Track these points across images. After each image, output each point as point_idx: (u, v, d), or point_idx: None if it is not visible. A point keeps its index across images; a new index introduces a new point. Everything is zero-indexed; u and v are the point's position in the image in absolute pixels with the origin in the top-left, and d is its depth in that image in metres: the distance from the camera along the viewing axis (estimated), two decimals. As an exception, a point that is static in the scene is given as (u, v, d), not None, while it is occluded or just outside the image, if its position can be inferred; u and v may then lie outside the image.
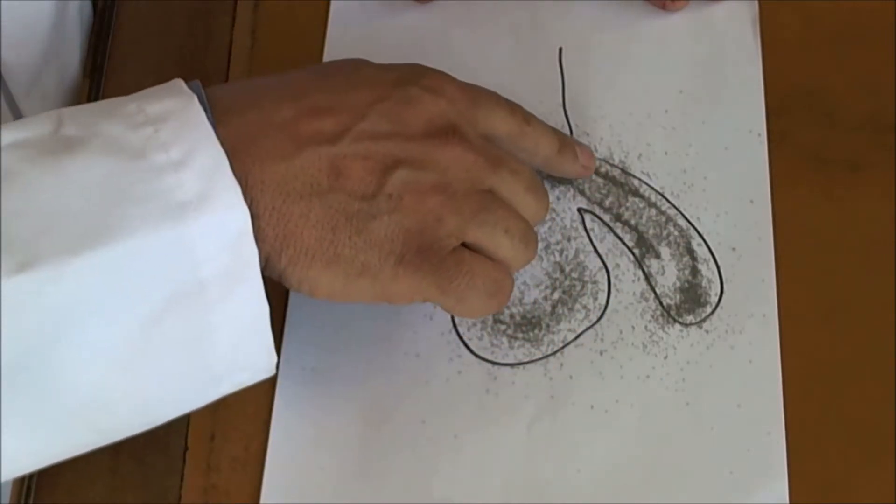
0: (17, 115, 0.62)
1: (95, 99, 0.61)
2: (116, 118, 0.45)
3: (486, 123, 0.52)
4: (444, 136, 0.49)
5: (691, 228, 0.58)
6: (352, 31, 0.62)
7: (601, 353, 0.56)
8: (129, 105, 0.46)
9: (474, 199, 0.50)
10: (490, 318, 0.56)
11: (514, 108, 0.53)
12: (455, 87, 0.51)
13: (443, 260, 0.49)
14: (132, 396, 0.45)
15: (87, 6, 0.64)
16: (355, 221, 0.47)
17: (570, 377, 0.55)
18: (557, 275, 0.57)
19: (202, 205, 0.44)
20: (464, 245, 0.50)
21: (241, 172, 0.45)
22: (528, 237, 0.51)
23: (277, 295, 0.56)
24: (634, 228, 0.58)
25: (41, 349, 0.42)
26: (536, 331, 0.56)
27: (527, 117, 0.54)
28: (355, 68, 0.51)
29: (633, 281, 0.57)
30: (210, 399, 0.48)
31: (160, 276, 0.44)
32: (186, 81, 0.47)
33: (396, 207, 0.48)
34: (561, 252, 0.58)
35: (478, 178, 0.50)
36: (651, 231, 0.58)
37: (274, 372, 0.49)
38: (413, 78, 0.51)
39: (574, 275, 0.57)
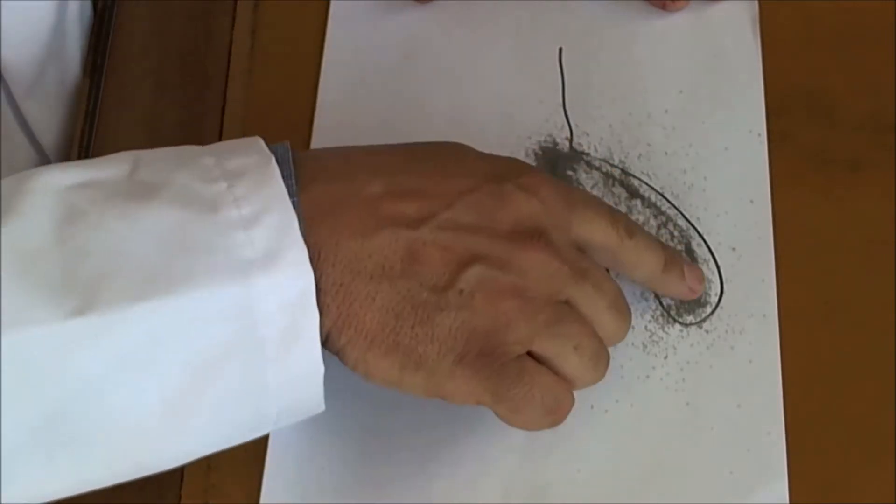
0: (18, 114, 0.62)
1: (96, 99, 0.61)
2: (192, 168, 0.45)
3: (580, 231, 0.50)
4: (530, 239, 0.48)
5: (691, 229, 0.58)
6: (352, 31, 0.62)
7: (601, 354, 0.56)
8: (207, 158, 0.46)
9: (550, 308, 0.48)
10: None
11: (616, 219, 0.51)
12: (553, 189, 0.49)
13: (504, 366, 0.47)
14: (179, 441, 0.46)
15: (87, 6, 0.64)
16: (421, 311, 0.46)
17: (570, 377, 0.55)
18: (557, 275, 0.57)
19: (268, 264, 0.44)
20: (530, 354, 0.48)
21: (315, 242, 0.45)
22: (599, 357, 0.50)
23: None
24: (634, 228, 0.58)
25: (93, 392, 0.42)
26: (536, 331, 0.56)
27: (630, 229, 0.51)
28: (454, 154, 0.50)
29: (633, 281, 0.57)
30: (263, 433, 0.49)
31: (218, 331, 0.44)
32: (270, 143, 0.47)
33: (467, 304, 0.46)
34: (561, 252, 0.57)
35: (558, 287, 0.48)
36: (651, 231, 0.58)
37: (322, 409, 0.49)
38: (511, 173, 0.49)
39: (574, 275, 0.57)
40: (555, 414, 0.49)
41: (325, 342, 0.47)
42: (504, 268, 0.47)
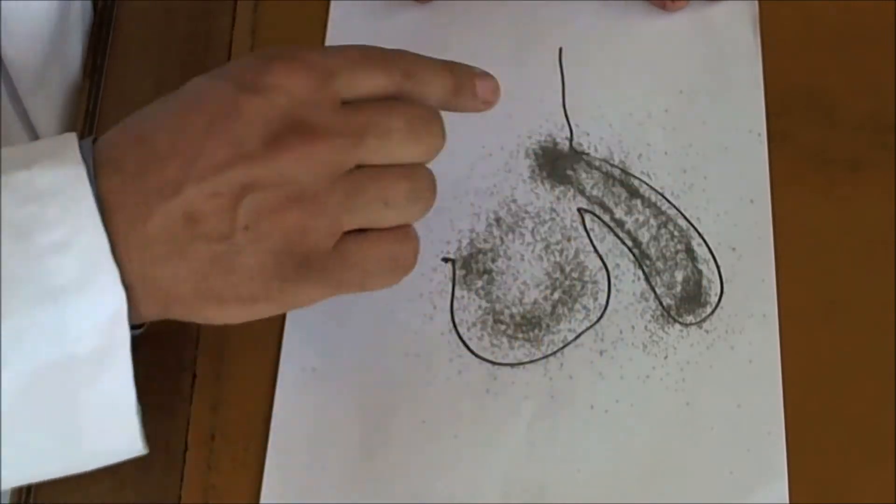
0: (21, 111, 0.62)
1: (96, 99, 0.61)
2: (5, 190, 0.44)
3: (349, 91, 0.47)
4: (283, 141, 0.46)
5: (691, 229, 0.58)
6: (352, 31, 0.62)
7: (601, 354, 0.56)
8: (21, 173, 0.45)
9: (338, 189, 0.46)
10: (490, 318, 0.56)
11: (389, 66, 0.48)
12: (302, 70, 0.47)
13: (325, 263, 0.47)
14: (5, 461, 0.46)
15: (89, 6, 0.64)
16: (224, 263, 0.46)
17: (570, 377, 0.55)
18: (557, 275, 0.57)
19: (80, 289, 0.44)
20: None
21: (114, 243, 0.45)
22: (416, 194, 0.48)
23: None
24: (634, 229, 0.58)
25: None
26: (536, 331, 0.56)
27: (408, 70, 0.48)
28: (193, 89, 0.48)
29: (633, 281, 0.57)
30: (80, 470, 0.49)
31: (30, 352, 0.44)
32: (83, 137, 0.46)
33: (256, 237, 0.46)
34: (561, 252, 0.58)
35: (336, 165, 0.46)
36: (651, 231, 0.58)
37: (144, 453, 0.49)
38: (248, 79, 0.46)
39: (574, 275, 0.57)
40: (398, 270, 0.48)
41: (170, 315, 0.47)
42: (272, 184, 0.45)
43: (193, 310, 0.47)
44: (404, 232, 0.48)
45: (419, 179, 0.48)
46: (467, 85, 0.50)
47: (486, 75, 0.51)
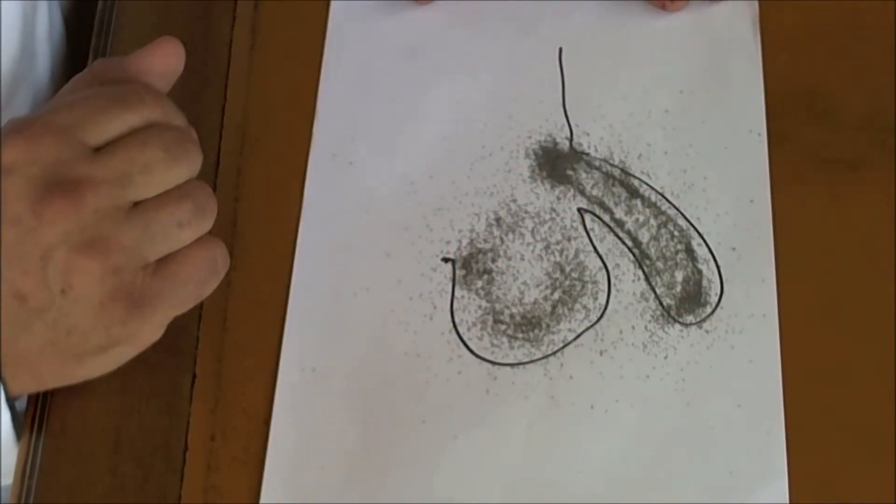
0: None
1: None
2: None
3: (97, 138, 0.48)
4: (50, 203, 0.46)
5: (691, 229, 0.58)
6: (352, 31, 0.63)
7: (601, 353, 0.56)
8: None
9: (130, 227, 0.47)
10: (490, 318, 0.56)
11: (126, 100, 0.49)
12: (41, 136, 0.47)
13: (154, 293, 0.48)
14: None
15: (57, 24, 0.64)
16: (60, 326, 0.47)
17: (571, 377, 0.55)
18: (557, 275, 0.57)
19: None
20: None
21: None
22: (200, 208, 0.49)
23: (277, 295, 0.56)
24: (634, 229, 0.58)
25: None
26: (536, 331, 0.56)
27: (151, 105, 0.49)
28: None
29: (633, 281, 0.57)
30: None
31: None
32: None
33: (75, 296, 0.47)
34: (561, 252, 0.58)
35: (112, 208, 0.47)
36: (651, 231, 0.58)
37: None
38: None
39: (574, 275, 0.57)
40: (220, 266, 0.50)
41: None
42: (61, 242, 0.46)
43: (63, 374, 0.49)
44: (207, 237, 0.50)
45: (197, 194, 0.49)
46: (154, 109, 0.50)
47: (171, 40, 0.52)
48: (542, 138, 0.60)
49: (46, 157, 0.47)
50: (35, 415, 0.53)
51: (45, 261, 0.46)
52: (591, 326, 0.56)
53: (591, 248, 0.58)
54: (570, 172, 0.59)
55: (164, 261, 0.48)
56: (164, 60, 0.51)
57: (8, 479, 0.53)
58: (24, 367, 0.48)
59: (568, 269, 0.57)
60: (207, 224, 0.49)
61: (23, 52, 0.60)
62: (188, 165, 0.49)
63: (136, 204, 0.48)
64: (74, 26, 0.66)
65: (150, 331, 0.49)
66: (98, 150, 0.48)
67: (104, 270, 0.47)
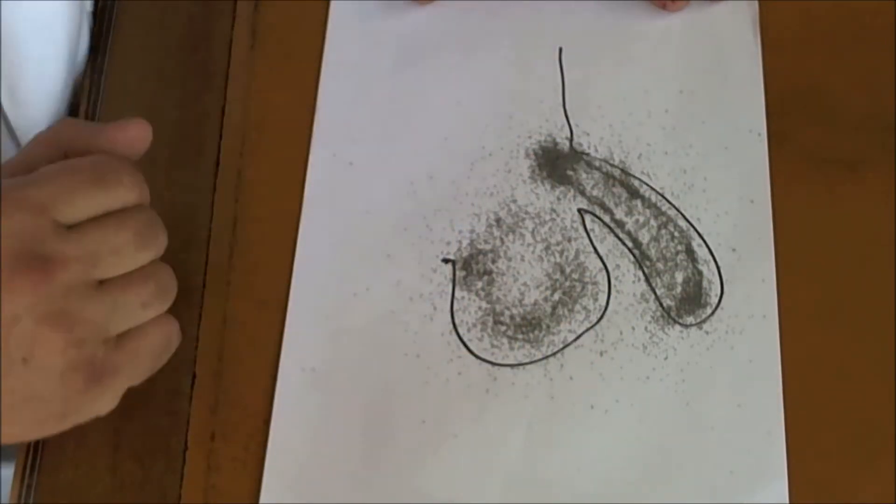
0: (5, 120, 0.62)
1: (96, 101, 0.61)
2: None
3: (70, 217, 0.48)
4: (20, 276, 0.47)
5: (691, 229, 0.58)
6: (352, 31, 0.62)
7: (601, 354, 0.56)
8: None
9: (95, 305, 0.48)
10: (490, 319, 0.56)
11: (103, 180, 0.49)
12: (15, 212, 0.47)
13: (112, 366, 0.49)
14: None
15: (83, 52, 0.64)
16: (20, 393, 0.47)
17: (571, 378, 0.55)
18: (557, 276, 0.57)
19: None
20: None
21: None
22: (163, 290, 0.50)
23: (277, 295, 0.56)
24: (634, 229, 0.58)
25: None
26: (536, 332, 0.56)
27: (128, 185, 0.49)
28: None
29: (634, 282, 0.57)
30: None
31: None
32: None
33: (37, 365, 0.47)
34: (561, 253, 0.58)
35: (80, 286, 0.48)
36: (651, 232, 0.58)
37: None
38: None
39: (574, 276, 0.57)
40: (174, 342, 0.51)
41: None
42: (26, 314, 0.47)
43: (25, 435, 0.49)
44: (164, 316, 0.51)
45: (161, 276, 0.50)
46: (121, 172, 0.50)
47: (133, 124, 0.52)
48: (542, 138, 0.60)
49: (18, 231, 0.47)
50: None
51: (7, 329, 0.47)
52: (592, 327, 0.56)
53: (592, 249, 0.58)
54: (570, 173, 0.59)
55: (124, 335, 0.49)
56: (133, 140, 0.51)
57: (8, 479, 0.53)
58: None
59: (568, 269, 0.57)
60: (167, 304, 0.51)
61: (63, 91, 0.61)
62: (156, 249, 0.50)
63: (102, 281, 0.49)
64: None
65: (107, 400, 0.50)
66: (71, 227, 0.48)
67: (67, 342, 0.47)
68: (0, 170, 0.50)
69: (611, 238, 0.58)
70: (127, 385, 0.50)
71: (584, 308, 0.56)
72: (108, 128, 0.51)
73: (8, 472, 0.54)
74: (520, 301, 0.57)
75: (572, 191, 0.59)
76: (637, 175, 0.59)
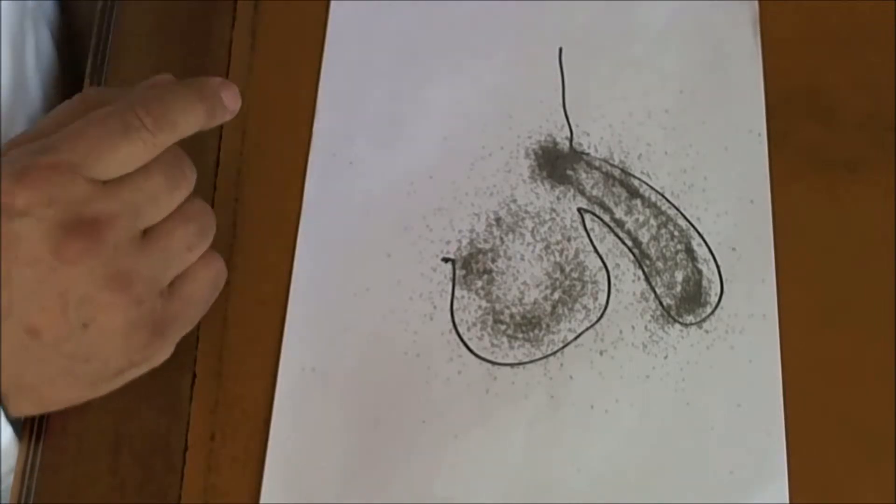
0: None
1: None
2: None
3: (105, 174, 0.47)
4: (71, 244, 0.46)
5: (691, 229, 0.58)
6: (352, 31, 0.63)
7: (601, 353, 0.56)
8: None
9: (146, 257, 0.48)
10: (490, 318, 0.56)
11: (131, 133, 0.48)
12: (50, 176, 0.46)
13: (171, 315, 0.49)
14: None
15: (46, 52, 0.63)
16: (79, 356, 0.47)
17: (570, 377, 0.55)
18: (557, 275, 0.57)
19: None
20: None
21: None
22: (203, 228, 0.50)
23: (277, 295, 0.56)
24: (634, 229, 0.58)
25: None
26: (536, 331, 0.56)
27: (155, 126, 0.48)
28: None
29: (633, 281, 0.57)
30: None
31: None
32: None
33: (98, 328, 0.47)
34: (561, 252, 0.58)
35: (128, 241, 0.48)
36: (651, 231, 0.58)
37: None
38: (7, 206, 0.46)
39: (574, 275, 0.57)
40: (221, 281, 0.51)
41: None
42: (84, 281, 0.47)
43: (71, 399, 0.50)
44: (208, 254, 0.51)
45: (198, 214, 0.50)
46: (217, 105, 0.51)
47: (227, 85, 0.52)
48: (542, 138, 0.60)
49: (59, 197, 0.46)
50: (35, 415, 0.53)
51: (64, 297, 0.47)
52: (591, 326, 0.56)
53: (591, 248, 0.58)
54: (570, 172, 0.59)
55: (175, 282, 0.50)
56: (229, 100, 0.52)
57: (8, 479, 0.53)
58: (28, 395, 0.49)
59: (568, 269, 0.57)
60: (209, 242, 0.51)
61: (15, 85, 0.60)
62: (187, 186, 0.50)
63: (145, 231, 0.49)
64: (63, 41, 0.66)
65: (166, 351, 0.50)
66: (105, 182, 0.48)
67: (128, 303, 0.47)
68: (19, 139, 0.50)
69: (610, 237, 0.58)
70: (184, 332, 0.51)
71: (584, 307, 0.56)
72: (133, 88, 0.51)
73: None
74: (520, 300, 0.57)
75: (572, 190, 0.59)
76: (637, 175, 0.59)
